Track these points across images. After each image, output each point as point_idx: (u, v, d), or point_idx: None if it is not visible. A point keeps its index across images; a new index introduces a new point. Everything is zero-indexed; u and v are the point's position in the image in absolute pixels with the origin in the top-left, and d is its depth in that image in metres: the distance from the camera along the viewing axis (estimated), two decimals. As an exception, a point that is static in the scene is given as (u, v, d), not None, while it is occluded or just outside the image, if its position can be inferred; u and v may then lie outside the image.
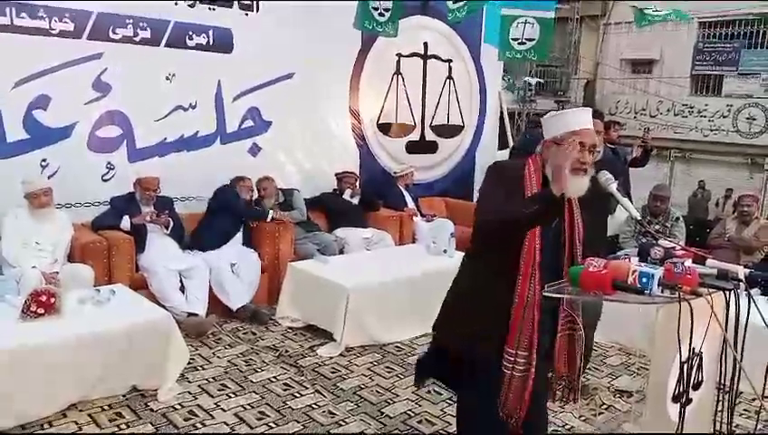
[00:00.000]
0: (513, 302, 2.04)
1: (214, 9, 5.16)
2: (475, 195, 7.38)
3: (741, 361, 1.89)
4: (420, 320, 4.38)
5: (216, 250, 4.68)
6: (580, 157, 2.00)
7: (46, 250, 4.00)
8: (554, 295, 1.88)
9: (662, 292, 1.74)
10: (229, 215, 4.86)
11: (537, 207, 1.93)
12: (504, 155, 7.27)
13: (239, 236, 4.90)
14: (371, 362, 3.92)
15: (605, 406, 3.45)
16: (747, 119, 13.18)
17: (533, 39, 6.49)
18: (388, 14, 5.59)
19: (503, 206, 2.01)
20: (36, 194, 3.99)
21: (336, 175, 5.97)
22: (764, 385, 2.00)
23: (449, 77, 7.23)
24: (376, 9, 5.53)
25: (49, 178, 4.40)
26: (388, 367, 3.87)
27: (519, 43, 6.56)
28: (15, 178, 4.08)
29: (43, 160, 4.48)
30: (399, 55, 6.69)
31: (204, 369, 3.70)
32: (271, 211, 5.04)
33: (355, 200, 5.85)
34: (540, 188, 2.05)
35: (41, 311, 3.14)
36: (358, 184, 5.96)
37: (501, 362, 2.08)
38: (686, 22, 12.82)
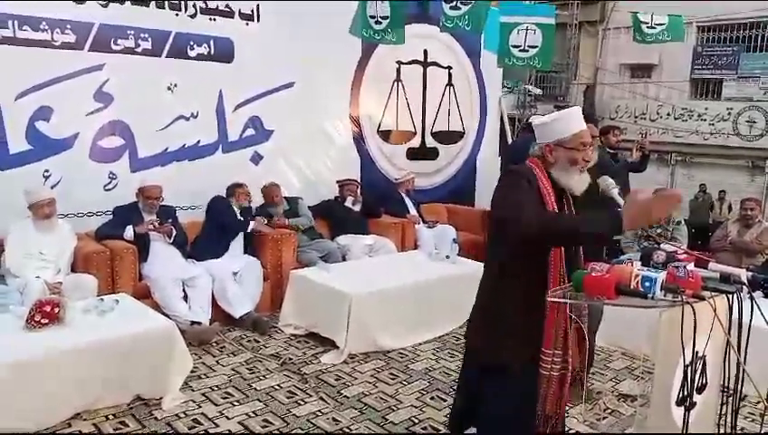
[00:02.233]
0: (545, 305, 2.03)
1: (215, 19, 5.20)
2: (477, 200, 7.41)
3: (744, 364, 1.89)
4: (424, 326, 4.39)
5: (218, 259, 4.69)
6: (584, 156, 2.11)
7: (50, 260, 4.02)
8: (558, 301, 1.89)
9: (665, 296, 1.75)
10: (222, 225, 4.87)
11: (599, 231, 1.87)
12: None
13: (238, 245, 4.90)
14: (375, 369, 3.92)
15: (609, 410, 3.44)
16: (747, 122, 13.20)
17: (536, 46, 6.48)
18: (386, 22, 5.56)
19: (543, 213, 2.01)
20: (40, 205, 4.01)
21: (338, 182, 5.99)
22: (768, 388, 2.00)
23: (449, 84, 7.27)
24: (373, 17, 5.52)
25: (52, 188, 4.43)
26: (391, 374, 3.87)
27: (521, 51, 6.54)
28: (19, 188, 4.09)
29: (46, 171, 4.50)
30: (400, 63, 6.72)
31: (207, 377, 3.70)
32: (252, 223, 4.94)
33: (357, 208, 5.86)
34: (553, 191, 2.11)
35: (45, 321, 3.15)
36: (359, 191, 5.97)
37: (536, 366, 2.10)
38: (684, 26, 12.85)
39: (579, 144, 2.10)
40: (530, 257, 2.07)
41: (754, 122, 13.07)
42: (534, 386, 2.12)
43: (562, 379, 2.13)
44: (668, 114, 14.25)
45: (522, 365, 2.13)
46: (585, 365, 2.22)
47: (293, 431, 3.11)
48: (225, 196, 4.98)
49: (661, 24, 6.70)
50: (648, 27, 6.69)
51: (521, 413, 2.16)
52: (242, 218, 4.92)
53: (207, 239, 4.82)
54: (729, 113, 13.43)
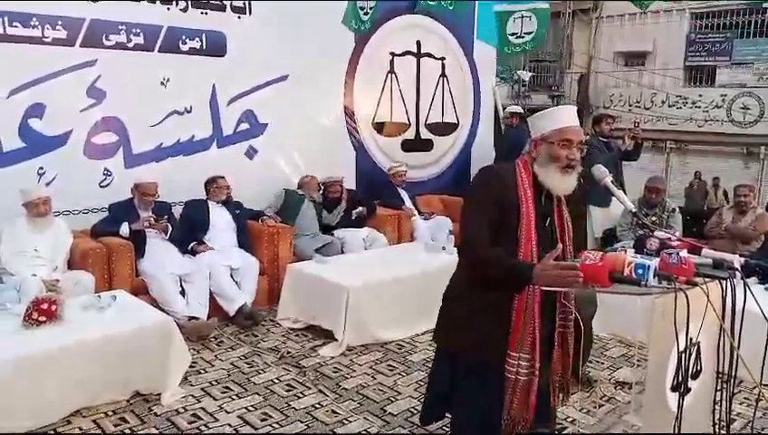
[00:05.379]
0: (512, 305, 2.02)
1: (206, 13, 5.17)
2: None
3: (739, 349, 1.90)
4: (421, 318, 4.39)
5: (216, 255, 4.68)
6: (569, 153, 2.03)
7: (46, 258, 4.01)
8: (547, 289, 1.88)
9: (659, 282, 1.75)
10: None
11: (508, 278, 1.96)
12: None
13: (231, 240, 4.90)
14: (373, 361, 3.94)
15: (606, 398, 3.47)
16: (741, 108, 13.19)
17: (531, 32, 6.56)
18: (371, 12, 5.73)
19: (484, 235, 2.01)
20: (35, 203, 3.99)
21: (321, 184, 5.76)
22: (761, 373, 2.02)
23: (443, 75, 7.25)
24: (362, 9, 5.66)
25: (47, 185, 4.42)
26: (389, 365, 3.89)
27: (517, 38, 6.61)
28: (13, 187, 4.08)
29: (41, 169, 4.49)
30: (393, 54, 6.70)
31: (206, 372, 3.71)
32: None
33: (349, 208, 5.76)
34: (532, 190, 2.06)
35: (42, 318, 3.15)
36: (348, 195, 5.83)
37: (503, 367, 2.05)
38: (678, 13, 12.91)
39: (562, 140, 2.03)
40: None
41: (748, 109, 13.06)
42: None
43: (529, 385, 2.04)
44: (663, 102, 14.23)
45: (493, 362, 2.07)
46: (570, 368, 2.20)
47: (293, 424, 3.13)
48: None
49: None
50: None
51: (492, 411, 2.09)
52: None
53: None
54: (723, 100, 13.42)
